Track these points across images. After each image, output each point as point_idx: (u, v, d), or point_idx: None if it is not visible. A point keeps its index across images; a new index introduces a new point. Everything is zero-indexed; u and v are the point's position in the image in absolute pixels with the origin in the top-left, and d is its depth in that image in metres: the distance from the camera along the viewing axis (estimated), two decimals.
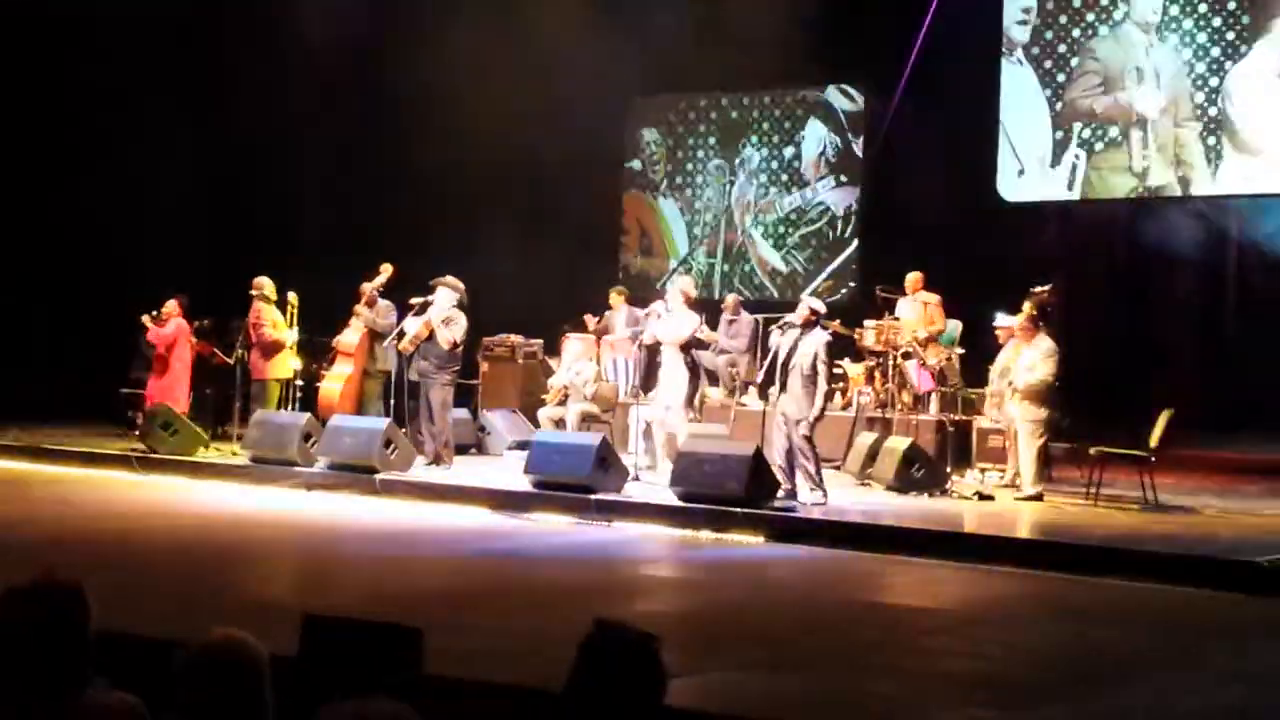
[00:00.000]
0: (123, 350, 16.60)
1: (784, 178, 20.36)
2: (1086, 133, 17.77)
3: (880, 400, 14.51)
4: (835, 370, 13.38)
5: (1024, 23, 18.27)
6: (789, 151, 20.34)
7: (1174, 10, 17.24)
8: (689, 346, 13.40)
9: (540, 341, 16.90)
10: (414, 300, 13.65)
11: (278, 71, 17.91)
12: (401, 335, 13.52)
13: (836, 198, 19.94)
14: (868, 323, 14.61)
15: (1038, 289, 13.35)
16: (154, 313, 15.46)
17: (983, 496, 12.41)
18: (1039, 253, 17.47)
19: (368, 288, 14.65)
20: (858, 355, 15.00)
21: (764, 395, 12.53)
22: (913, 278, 14.95)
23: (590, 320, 16.28)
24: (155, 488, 12.96)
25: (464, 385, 15.12)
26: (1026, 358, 12.57)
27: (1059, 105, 17.93)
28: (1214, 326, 17.66)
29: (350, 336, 14.68)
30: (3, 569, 3.60)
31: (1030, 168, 18.08)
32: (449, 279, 13.44)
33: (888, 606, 8.54)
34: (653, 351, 13.65)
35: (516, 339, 16.70)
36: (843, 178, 19.93)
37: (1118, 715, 5.75)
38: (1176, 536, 10.37)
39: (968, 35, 18.08)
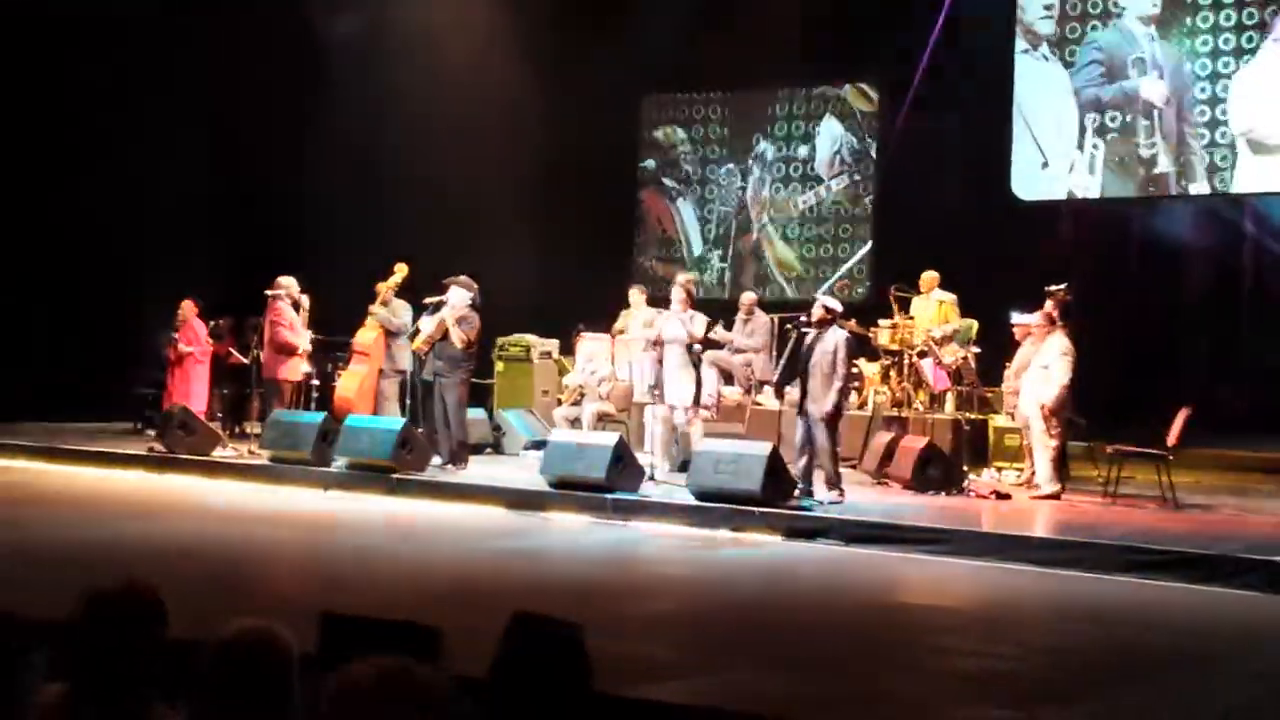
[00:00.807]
0: (132, 351, 16.64)
1: (799, 176, 20.35)
2: (1110, 121, 17.73)
3: (896, 399, 14.50)
4: (852, 369, 13.36)
5: (1048, 17, 18.23)
6: (804, 150, 20.33)
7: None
8: (692, 345, 13.38)
9: (556, 341, 16.91)
10: (428, 300, 13.67)
11: (286, 69, 17.94)
12: (416, 334, 13.55)
13: (852, 196, 19.94)
14: (883, 322, 14.60)
15: (1054, 287, 13.33)
16: (175, 327, 15.50)
17: (999, 495, 12.39)
18: (1055, 251, 17.45)
19: (383, 287, 14.67)
20: (873, 354, 15.00)
21: (780, 394, 12.53)
22: (928, 277, 14.93)
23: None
24: (173, 488, 13.00)
25: (479, 385, 15.14)
26: (1042, 356, 12.56)
27: (1082, 97, 17.90)
28: (1232, 324, 17.61)
29: (366, 336, 14.70)
30: (29, 571, 3.60)
31: (1055, 162, 18.03)
32: (462, 278, 13.45)
33: (904, 605, 8.54)
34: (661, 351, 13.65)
35: (532, 338, 16.71)
36: (857, 176, 19.93)
37: (1135, 714, 5.74)
38: (1194, 535, 10.35)
39: (982, 33, 18.06)
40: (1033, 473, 12.85)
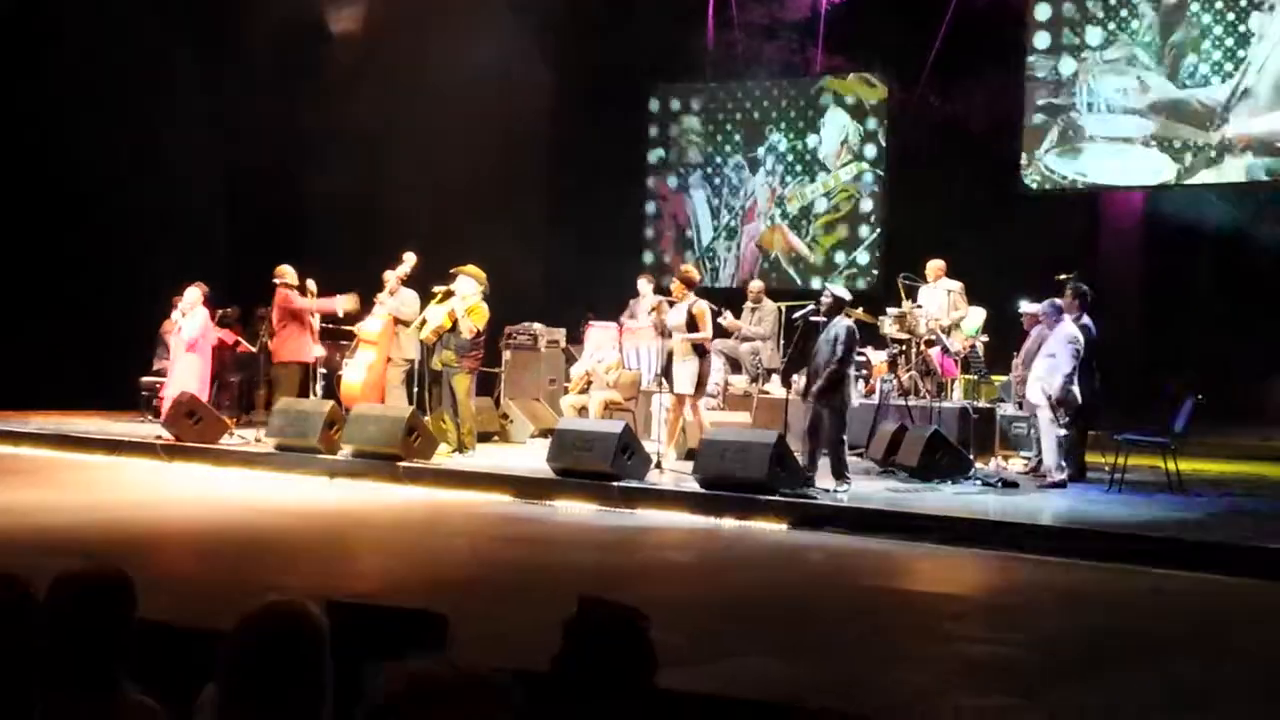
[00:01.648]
0: (141, 339, 16.68)
1: (808, 166, 20.34)
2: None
3: (904, 388, 14.49)
4: (857, 358, 13.35)
5: None
6: (812, 140, 20.31)
7: None
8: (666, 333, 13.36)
9: (563, 330, 16.93)
10: (436, 289, 13.69)
11: (295, 60, 17.96)
12: (424, 324, 13.56)
13: (862, 182, 19.92)
14: (890, 310, 14.59)
15: (1063, 276, 13.32)
16: (182, 312, 15.54)
17: (1006, 483, 12.38)
18: (1063, 240, 17.43)
19: (390, 276, 14.69)
20: (880, 343, 14.99)
21: (787, 383, 12.53)
22: (935, 265, 14.92)
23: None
24: (180, 475, 13.03)
25: (487, 373, 15.16)
26: (1049, 345, 12.54)
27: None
28: (1239, 313, 17.58)
29: (373, 325, 14.72)
30: (36, 556, 3.61)
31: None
32: (470, 267, 13.46)
33: (910, 593, 8.54)
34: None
35: (539, 327, 16.73)
36: (865, 164, 19.91)
37: (1140, 702, 5.74)
38: (1200, 523, 10.34)
39: (992, 22, 18.03)
40: (1040, 461, 12.84)
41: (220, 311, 16.22)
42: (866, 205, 19.91)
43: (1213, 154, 17.17)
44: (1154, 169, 17.60)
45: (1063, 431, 12.39)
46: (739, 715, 5.37)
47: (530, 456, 13.42)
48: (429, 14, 18.04)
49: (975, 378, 14.57)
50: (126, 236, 17.36)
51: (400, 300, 14.68)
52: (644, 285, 16.28)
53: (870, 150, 19.87)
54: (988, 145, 18.14)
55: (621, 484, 11.45)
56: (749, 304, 16.22)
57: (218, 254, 17.04)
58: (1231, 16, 17.11)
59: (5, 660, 2.93)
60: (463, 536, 10.07)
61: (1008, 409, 14.18)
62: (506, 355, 16.65)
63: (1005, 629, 7.27)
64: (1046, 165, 18.26)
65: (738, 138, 20.92)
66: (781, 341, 15.39)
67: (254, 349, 16.05)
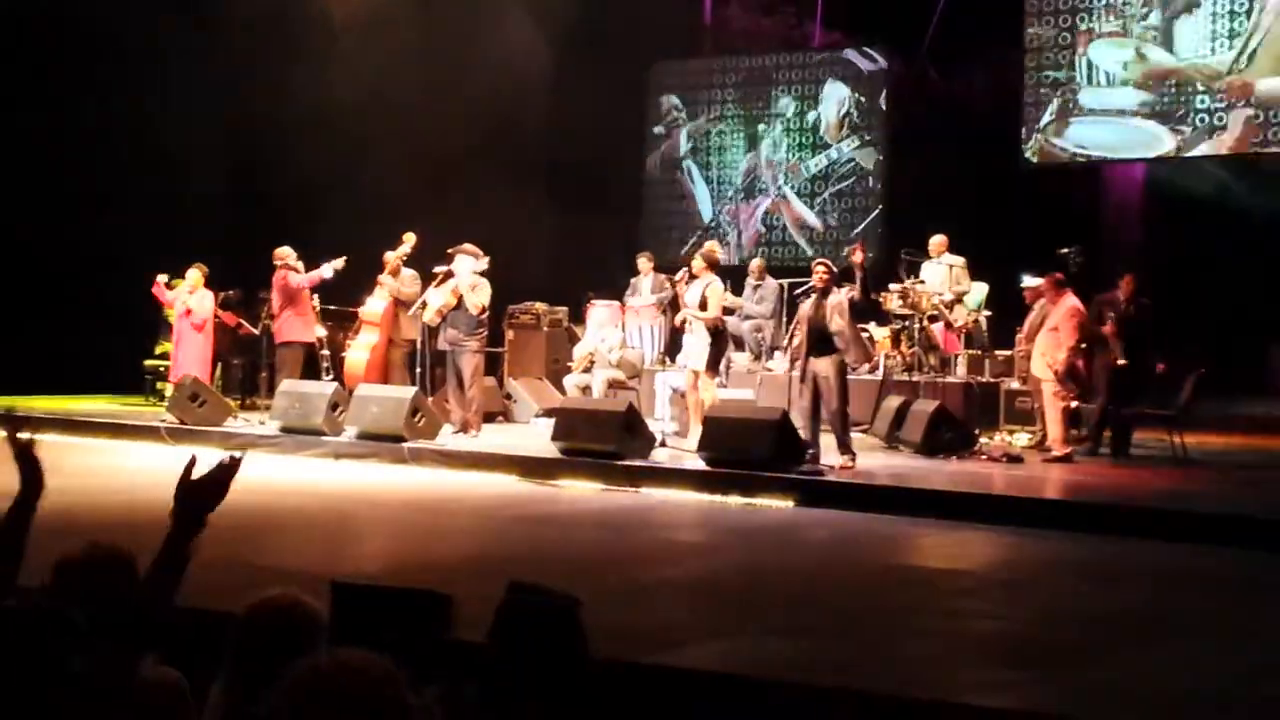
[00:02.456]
0: (143, 323, 16.68)
1: (808, 140, 20.28)
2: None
3: (907, 363, 14.47)
4: (861, 334, 13.32)
5: None
6: (811, 114, 20.26)
7: None
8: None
9: (565, 309, 16.90)
10: (436, 270, 13.67)
11: (295, 42, 17.91)
12: (424, 308, 13.54)
13: (863, 157, 19.87)
14: (892, 286, 14.57)
15: (1064, 250, 13.29)
16: (167, 279, 15.55)
17: (1011, 458, 12.38)
18: (1064, 213, 17.39)
19: (391, 257, 14.67)
20: (883, 319, 14.97)
21: (790, 360, 12.50)
22: (937, 240, 14.88)
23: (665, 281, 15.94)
24: (184, 458, 12.98)
25: (490, 353, 15.15)
26: (1052, 319, 12.53)
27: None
28: (1242, 286, 17.56)
29: (375, 306, 14.71)
30: (43, 540, 3.60)
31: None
32: (468, 246, 13.44)
33: (916, 569, 8.53)
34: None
35: (541, 306, 16.71)
36: (866, 138, 19.86)
37: (1147, 676, 5.73)
38: (1206, 496, 10.33)
39: None
40: (1044, 435, 12.83)
41: (222, 294, 16.21)
42: (865, 181, 19.85)
43: (1212, 125, 17.11)
44: (1154, 141, 17.55)
45: (1066, 405, 12.38)
46: (747, 693, 5.37)
47: (534, 436, 13.41)
48: None
49: (978, 352, 14.55)
50: (126, 219, 17.33)
51: (401, 281, 14.67)
52: (644, 263, 16.25)
53: (871, 124, 19.81)
54: (988, 119, 18.08)
55: (626, 463, 11.44)
56: (751, 281, 16.20)
57: (220, 237, 17.00)
58: None
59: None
60: (467, 517, 10.06)
61: (1012, 383, 14.17)
62: (509, 335, 16.63)
63: (1013, 604, 7.26)
64: (1047, 139, 18.21)
65: (737, 112, 20.86)
66: (784, 319, 15.37)
67: (256, 331, 16.03)
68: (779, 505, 10.51)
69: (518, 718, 2.97)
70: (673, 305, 13.05)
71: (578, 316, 16.71)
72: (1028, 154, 18.26)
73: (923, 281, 14.50)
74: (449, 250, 13.47)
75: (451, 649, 4.93)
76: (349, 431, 13.06)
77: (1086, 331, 12.45)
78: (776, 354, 15.35)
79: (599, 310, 15.86)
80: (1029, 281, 13.63)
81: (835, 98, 20.05)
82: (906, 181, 18.88)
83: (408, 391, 13.20)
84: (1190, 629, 6.82)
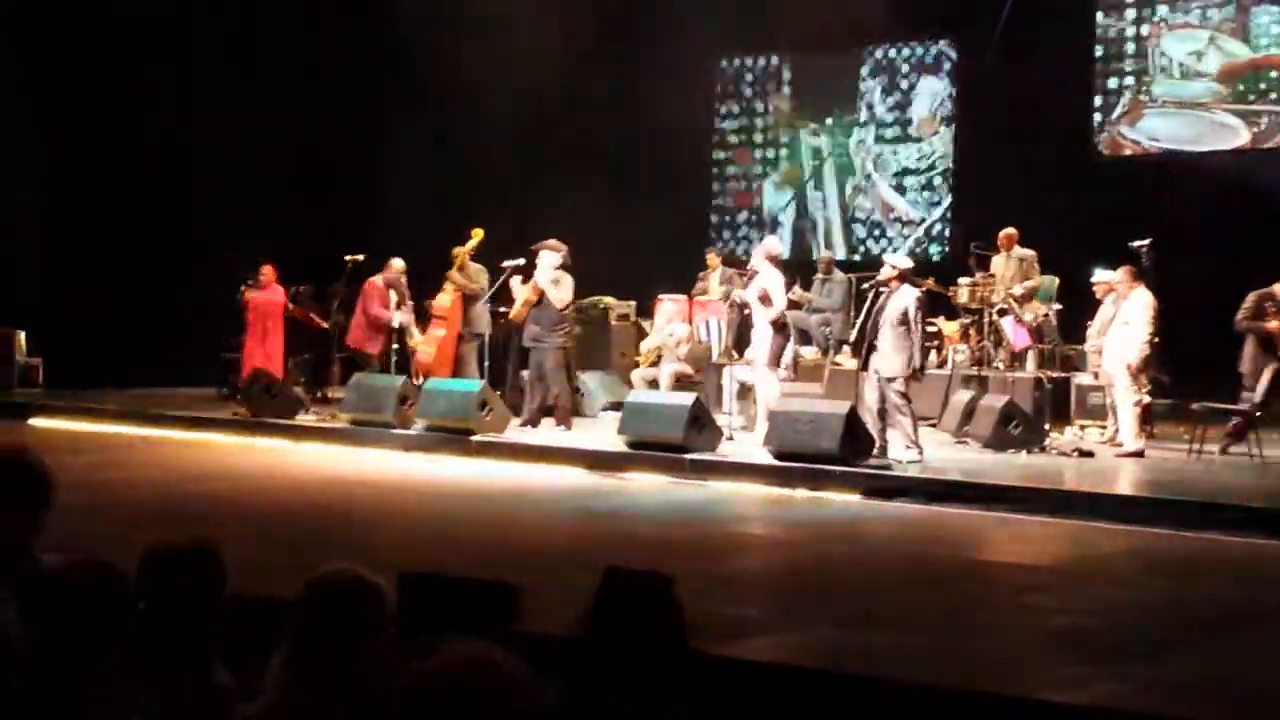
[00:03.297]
0: (217, 316, 16.87)
1: (892, 133, 20.04)
2: None
3: (976, 357, 14.36)
4: (930, 328, 13.26)
5: None
6: (880, 109, 20.10)
7: None
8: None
9: (633, 303, 16.92)
10: (506, 263, 13.76)
11: (363, 37, 18.06)
12: (505, 301, 13.66)
13: (941, 151, 19.67)
14: (962, 280, 14.46)
15: (1137, 243, 13.14)
16: (248, 280, 15.75)
17: (1083, 453, 12.26)
18: (1138, 206, 17.17)
19: (459, 252, 14.77)
20: (952, 313, 14.87)
21: (857, 354, 12.47)
22: (1007, 233, 14.73)
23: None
24: (257, 451, 13.18)
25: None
26: (1124, 313, 12.39)
27: None
28: None
29: (444, 300, 14.80)
30: (116, 531, 3.65)
31: None
32: (550, 241, 13.52)
33: (985, 563, 8.48)
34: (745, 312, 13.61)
35: (610, 300, 16.73)
36: (942, 130, 19.68)
37: (1218, 671, 5.67)
38: None
39: None
40: (1116, 431, 12.70)
41: (293, 290, 16.37)
42: (943, 171, 19.66)
43: None
44: (1228, 133, 17.31)
45: (1139, 400, 12.25)
46: (814, 685, 5.36)
47: (602, 429, 13.44)
48: None
49: (1049, 347, 14.42)
50: (203, 214, 17.54)
51: (467, 275, 14.75)
52: (713, 258, 16.24)
53: (946, 116, 19.64)
54: (1059, 111, 17.88)
55: (693, 456, 11.44)
56: (819, 275, 16.15)
57: (292, 231, 17.15)
58: None
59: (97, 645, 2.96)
60: (534, 509, 10.11)
61: (1083, 378, 14.03)
62: (577, 329, 16.66)
63: (1084, 599, 7.19)
64: (1119, 131, 18.01)
65: (809, 107, 20.74)
66: (852, 312, 15.30)
67: (326, 325, 16.19)
68: (846, 499, 10.48)
69: (613, 707, 2.97)
70: (731, 304, 13.02)
71: (646, 310, 16.73)
72: (1099, 146, 18.07)
73: (992, 275, 14.39)
74: (532, 247, 13.56)
75: (519, 640, 4.95)
76: (418, 424, 13.15)
77: (1159, 325, 12.29)
78: (844, 348, 15.29)
79: (667, 304, 15.87)
80: (1101, 276, 13.49)
81: (928, 91, 19.77)
82: (976, 174, 18.72)
83: (476, 384, 13.27)
84: (1259, 623, 6.73)
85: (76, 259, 17.42)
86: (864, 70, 20.28)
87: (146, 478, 11.06)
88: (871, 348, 11.57)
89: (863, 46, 20.21)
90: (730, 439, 12.30)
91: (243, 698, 3.06)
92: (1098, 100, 18.06)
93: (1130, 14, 17.97)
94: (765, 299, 12.52)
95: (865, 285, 12.40)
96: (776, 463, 11.10)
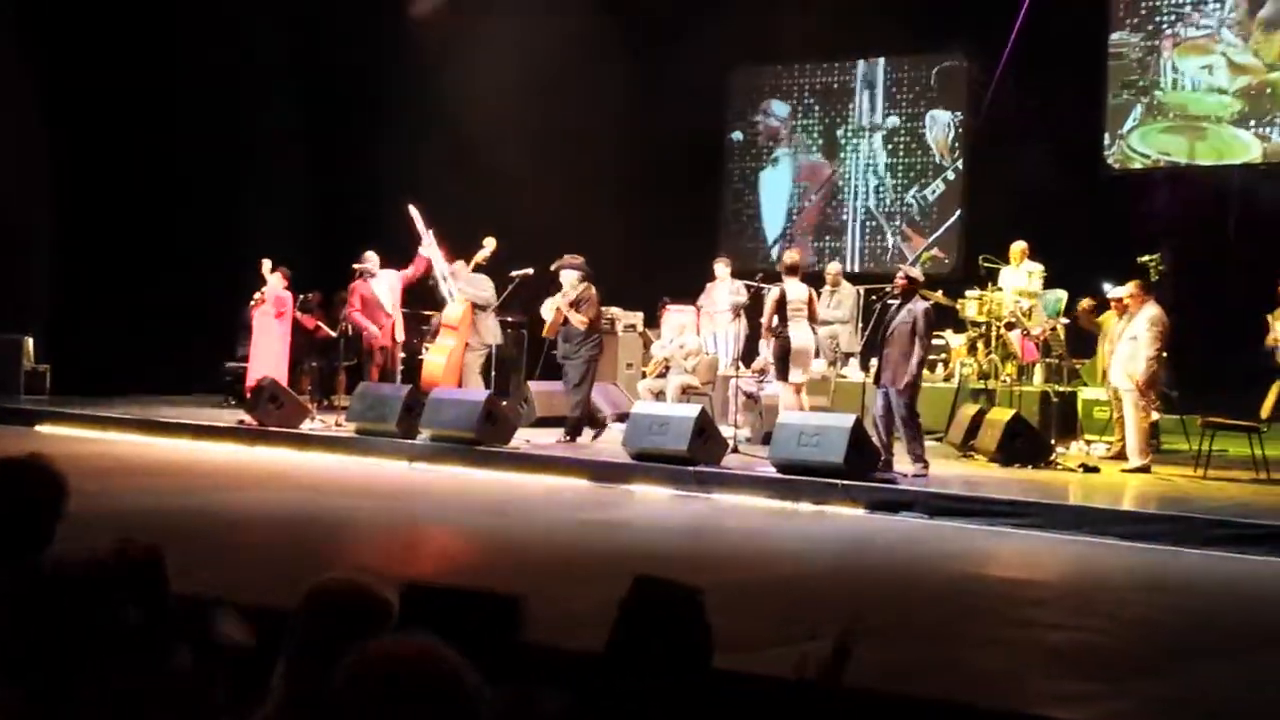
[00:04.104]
0: (225, 325, 16.90)
1: (902, 145, 20.03)
2: None
3: (983, 371, 14.35)
4: (936, 341, 13.24)
5: None
6: (891, 120, 20.09)
7: None
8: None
9: (640, 314, 16.92)
10: (514, 273, 13.79)
11: (373, 48, 18.08)
12: (502, 307, 13.70)
13: (951, 164, 19.63)
14: (969, 293, 14.45)
15: (1146, 258, 13.13)
16: (258, 294, 15.78)
17: (1088, 468, 12.24)
18: (1147, 221, 17.16)
19: (471, 262, 14.78)
20: (960, 326, 14.86)
21: (865, 367, 12.46)
22: (1017, 248, 14.72)
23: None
24: (263, 459, 13.18)
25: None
26: (1132, 327, 12.37)
27: None
28: None
29: (454, 310, 14.81)
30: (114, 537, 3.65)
31: None
32: (568, 258, 13.56)
33: (987, 578, 8.46)
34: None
35: (616, 311, 16.73)
36: (952, 144, 19.65)
37: (1221, 689, 5.65)
38: None
39: (1073, 2, 17.78)
40: (1123, 445, 12.67)
41: (301, 297, 16.38)
42: (950, 185, 19.62)
43: None
44: (1240, 148, 17.29)
45: (1146, 415, 12.22)
46: (816, 700, 5.34)
47: (607, 441, 13.43)
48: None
49: (1055, 361, 14.41)
50: (210, 224, 17.57)
51: (475, 285, 14.74)
52: (721, 268, 16.23)
53: (956, 129, 19.62)
54: (1069, 124, 17.87)
55: (698, 468, 11.43)
56: (827, 287, 16.12)
57: (301, 240, 17.18)
58: None
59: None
60: (539, 520, 10.10)
61: (1090, 393, 14.01)
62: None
63: (1086, 614, 7.17)
64: (1130, 145, 17.99)
65: (818, 120, 20.74)
66: (860, 325, 15.29)
67: (333, 334, 16.20)
68: (850, 513, 10.46)
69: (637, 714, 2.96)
70: (748, 311, 13.04)
71: (652, 321, 16.73)
72: (1110, 160, 18.05)
73: (1000, 289, 14.37)
74: (553, 267, 13.60)
75: (523, 651, 4.94)
76: (423, 435, 13.16)
77: (1168, 340, 12.28)
78: (851, 360, 15.28)
79: (674, 315, 15.86)
80: (1110, 291, 13.48)
81: (939, 104, 19.72)
82: (986, 187, 18.69)
83: (481, 395, 13.28)
84: (1265, 642, 6.71)
85: (84, 266, 17.43)
86: (875, 82, 20.28)
87: (151, 485, 11.06)
88: (882, 359, 11.57)
89: (873, 59, 20.21)
90: (735, 451, 12.29)
91: (244, 707, 3.07)
92: (1109, 114, 18.02)
93: (1143, 28, 17.94)
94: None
95: (874, 297, 12.38)
96: (781, 475, 11.09)
